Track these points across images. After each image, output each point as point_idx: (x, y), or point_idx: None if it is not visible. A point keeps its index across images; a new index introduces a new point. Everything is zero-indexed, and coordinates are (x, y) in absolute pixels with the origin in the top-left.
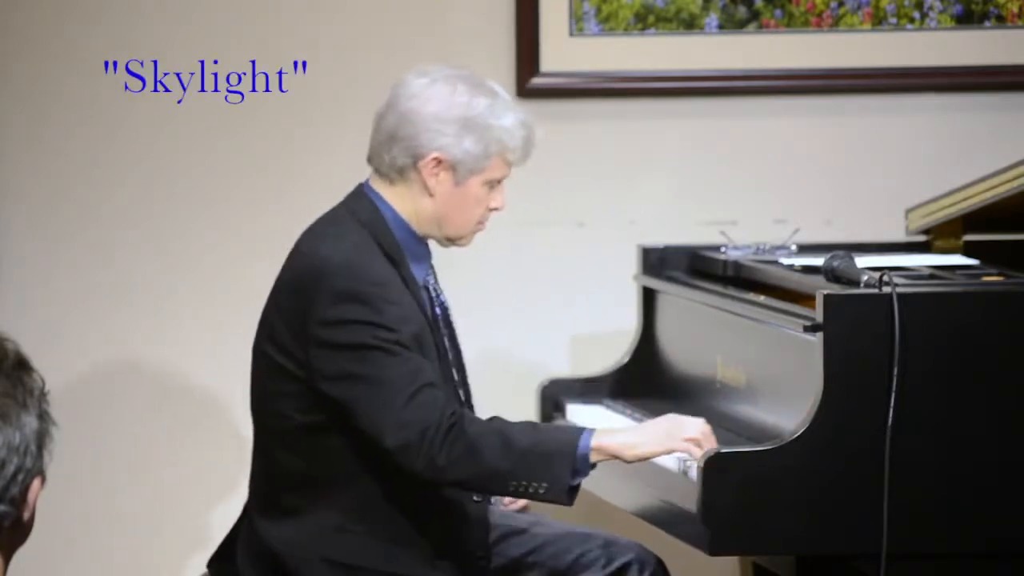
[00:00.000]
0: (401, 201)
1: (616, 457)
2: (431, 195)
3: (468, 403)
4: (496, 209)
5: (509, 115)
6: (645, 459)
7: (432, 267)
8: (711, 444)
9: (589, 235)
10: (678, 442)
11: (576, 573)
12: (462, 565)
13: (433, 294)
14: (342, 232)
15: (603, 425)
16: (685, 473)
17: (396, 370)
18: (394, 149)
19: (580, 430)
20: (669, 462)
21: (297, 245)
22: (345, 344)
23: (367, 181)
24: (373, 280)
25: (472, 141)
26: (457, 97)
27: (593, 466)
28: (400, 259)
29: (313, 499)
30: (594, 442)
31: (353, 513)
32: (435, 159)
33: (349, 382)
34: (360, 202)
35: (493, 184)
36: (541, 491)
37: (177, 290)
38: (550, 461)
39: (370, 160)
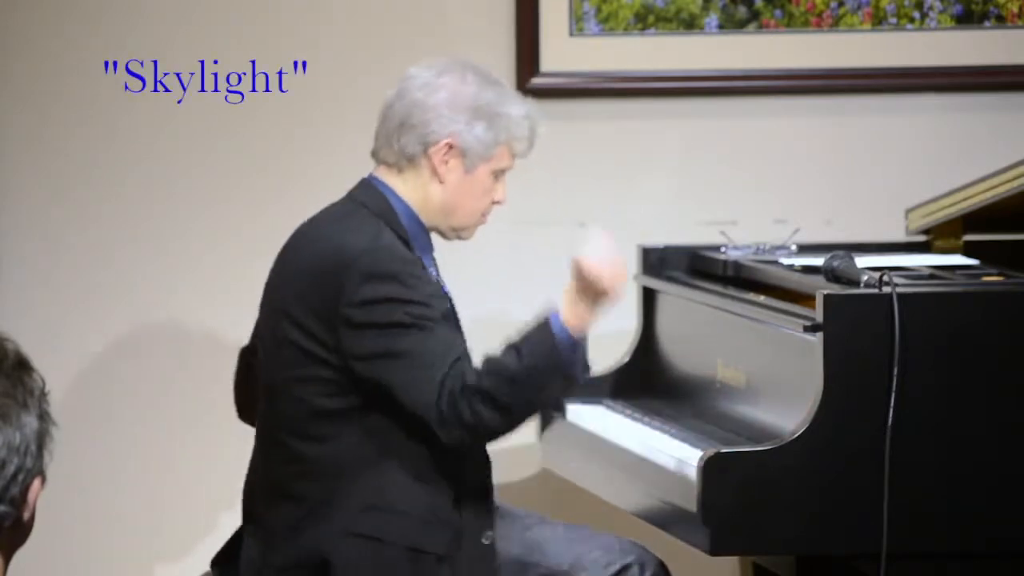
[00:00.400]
0: (410, 190)
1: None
2: (441, 182)
3: None
4: (498, 202)
5: (516, 105)
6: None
7: (434, 259)
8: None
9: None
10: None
11: (576, 574)
12: (478, 547)
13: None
14: (359, 221)
15: (604, 426)
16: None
17: (429, 346)
18: (404, 137)
19: (550, 324)
20: (669, 462)
21: (307, 234)
22: (379, 323)
23: (373, 175)
24: (402, 258)
25: (483, 128)
26: (467, 86)
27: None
28: (411, 248)
29: (336, 486)
30: (573, 323)
31: (380, 493)
32: (447, 144)
33: (384, 361)
34: (369, 193)
35: (498, 175)
36: (559, 391)
37: (177, 290)
38: (548, 368)
39: (376, 152)
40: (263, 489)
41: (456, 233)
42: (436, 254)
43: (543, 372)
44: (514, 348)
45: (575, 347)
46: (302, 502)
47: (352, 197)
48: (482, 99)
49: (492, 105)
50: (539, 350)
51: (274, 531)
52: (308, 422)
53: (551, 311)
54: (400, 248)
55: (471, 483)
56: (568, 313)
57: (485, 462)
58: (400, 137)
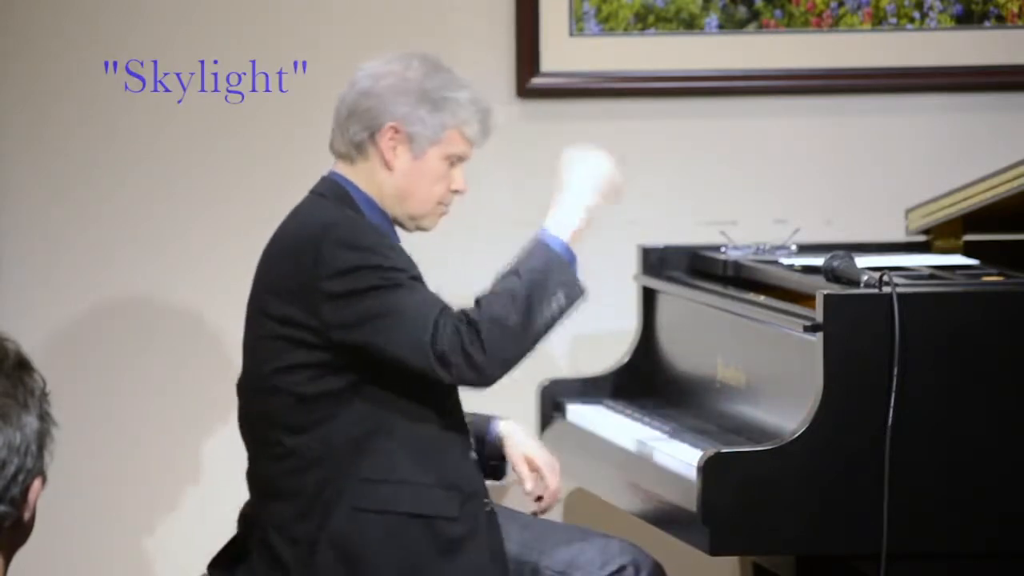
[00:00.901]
0: (364, 180)
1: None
2: (390, 169)
3: (455, 398)
4: (458, 191)
5: (464, 91)
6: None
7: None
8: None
9: (589, 235)
10: (607, 196)
11: (572, 573)
12: (484, 513)
13: None
14: (322, 207)
15: (604, 426)
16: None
17: (412, 299)
18: (352, 125)
19: (543, 241)
20: (669, 462)
21: (276, 234)
22: (358, 290)
23: (332, 170)
24: (373, 229)
25: (427, 111)
26: (412, 72)
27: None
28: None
29: (333, 471)
30: (567, 237)
31: (382, 468)
32: (392, 128)
33: (370, 323)
34: (329, 187)
35: (453, 161)
36: (564, 302)
37: (177, 290)
38: (550, 280)
39: (331, 146)
40: (258, 491)
41: (415, 223)
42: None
43: (545, 284)
44: (511, 272)
45: (571, 258)
46: (299, 496)
47: (314, 192)
48: (427, 84)
49: (438, 89)
50: (536, 264)
51: (276, 530)
52: (296, 412)
53: (541, 230)
54: (369, 222)
55: (465, 452)
56: (567, 228)
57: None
58: (349, 126)
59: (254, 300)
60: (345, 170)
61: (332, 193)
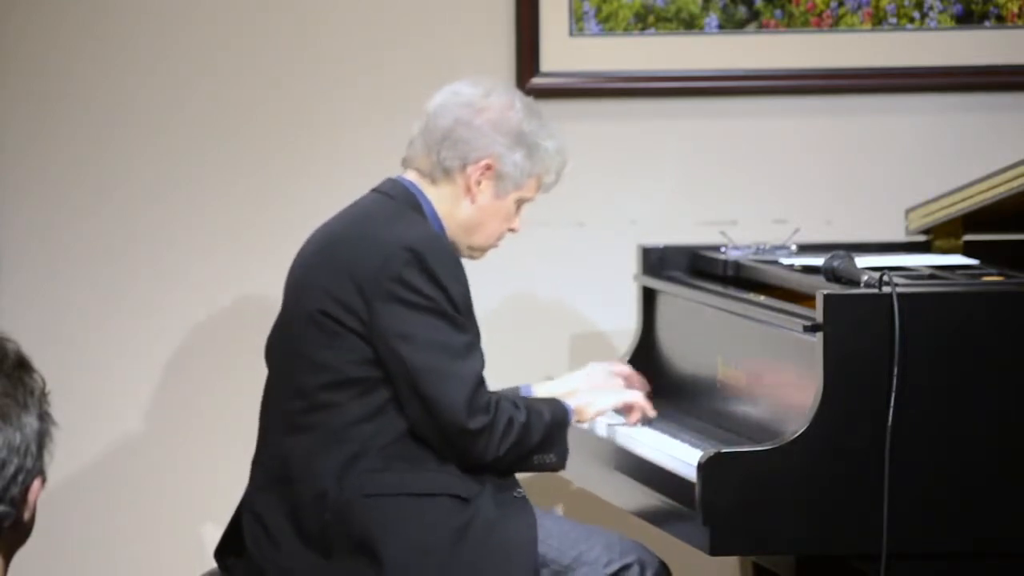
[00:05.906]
0: (440, 201)
1: (577, 417)
2: (472, 201)
3: None
4: (514, 230)
5: (553, 140)
6: (599, 415)
7: None
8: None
9: (589, 235)
10: (619, 401)
11: (577, 570)
12: (513, 500)
13: None
14: (405, 214)
15: (604, 426)
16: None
17: (464, 343)
18: (445, 150)
19: (555, 400)
20: (669, 462)
21: (351, 226)
22: (420, 306)
23: (402, 176)
24: (456, 259)
25: (522, 156)
26: (514, 112)
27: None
28: None
29: (348, 456)
30: (573, 405)
31: (396, 452)
32: (486, 165)
33: (422, 347)
34: (398, 191)
35: (520, 204)
36: (555, 461)
37: (176, 290)
38: (559, 432)
39: (410, 160)
40: (267, 475)
41: (471, 252)
42: None
43: (555, 432)
44: (540, 404)
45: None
46: (314, 478)
47: (379, 191)
48: (526, 127)
49: (534, 135)
50: (558, 416)
51: (286, 515)
52: (329, 390)
53: (558, 400)
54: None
55: None
56: (574, 402)
57: None
58: (441, 150)
59: (310, 273)
60: (422, 184)
61: (402, 198)
